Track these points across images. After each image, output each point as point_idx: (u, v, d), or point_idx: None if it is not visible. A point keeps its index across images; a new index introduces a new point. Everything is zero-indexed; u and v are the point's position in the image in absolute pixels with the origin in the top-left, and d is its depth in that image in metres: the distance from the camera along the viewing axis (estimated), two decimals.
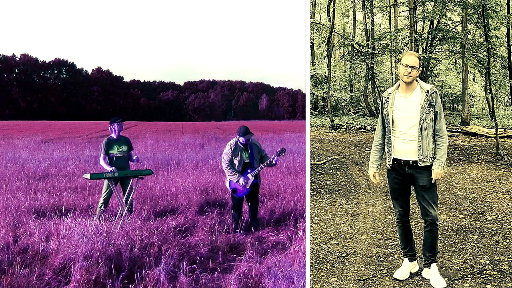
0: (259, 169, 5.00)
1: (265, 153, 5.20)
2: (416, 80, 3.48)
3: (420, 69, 3.40)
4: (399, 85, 3.52)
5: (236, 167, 5.03)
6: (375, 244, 4.41)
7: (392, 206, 5.74)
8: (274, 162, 5.02)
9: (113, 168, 5.23)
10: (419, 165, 3.41)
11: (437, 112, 3.41)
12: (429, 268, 3.53)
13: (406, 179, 3.53)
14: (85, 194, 6.41)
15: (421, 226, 4.81)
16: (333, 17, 20.69)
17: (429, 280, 3.51)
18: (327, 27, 21.82)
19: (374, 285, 3.50)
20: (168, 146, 13.74)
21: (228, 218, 5.27)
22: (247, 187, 5.01)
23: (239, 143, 5.04)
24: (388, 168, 3.59)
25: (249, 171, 5.02)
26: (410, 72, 3.38)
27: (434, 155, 3.43)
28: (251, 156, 5.04)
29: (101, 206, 5.28)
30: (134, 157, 5.52)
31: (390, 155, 3.53)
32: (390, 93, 3.55)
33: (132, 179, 5.30)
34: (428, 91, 3.42)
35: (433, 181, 3.41)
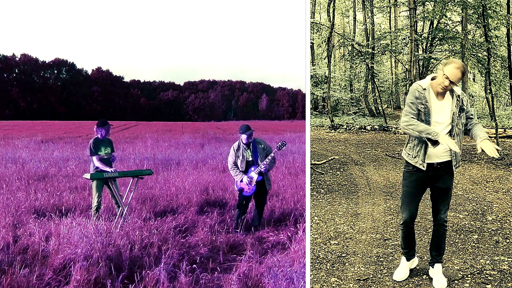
0: (263, 166, 4.98)
1: (272, 151, 5.20)
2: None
3: (459, 83, 3.11)
4: (431, 79, 3.25)
5: (239, 167, 5.06)
6: (375, 244, 4.41)
7: (391, 206, 5.75)
8: (272, 155, 5.02)
9: (114, 168, 5.24)
10: (452, 168, 3.25)
11: (471, 116, 3.25)
12: (433, 268, 3.52)
13: (426, 181, 3.33)
14: (85, 194, 6.41)
15: (421, 226, 4.81)
16: (333, 17, 20.68)
17: (429, 280, 3.51)
18: (327, 27, 21.81)
19: (374, 285, 3.50)
20: (168, 146, 13.73)
21: (228, 218, 5.26)
22: (252, 185, 5.02)
23: (242, 143, 5.07)
24: (410, 170, 3.34)
25: (252, 169, 5.03)
26: (447, 86, 3.12)
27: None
28: (254, 154, 5.05)
29: (96, 209, 5.22)
30: (113, 157, 5.49)
31: (425, 157, 3.25)
32: (425, 89, 3.23)
33: (114, 180, 5.26)
34: (459, 95, 3.22)
35: (492, 152, 3.00)
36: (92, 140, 5.37)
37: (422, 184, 3.37)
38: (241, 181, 5.05)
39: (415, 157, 3.29)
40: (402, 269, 3.59)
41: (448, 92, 3.24)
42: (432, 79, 3.26)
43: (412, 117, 3.20)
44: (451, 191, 3.39)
